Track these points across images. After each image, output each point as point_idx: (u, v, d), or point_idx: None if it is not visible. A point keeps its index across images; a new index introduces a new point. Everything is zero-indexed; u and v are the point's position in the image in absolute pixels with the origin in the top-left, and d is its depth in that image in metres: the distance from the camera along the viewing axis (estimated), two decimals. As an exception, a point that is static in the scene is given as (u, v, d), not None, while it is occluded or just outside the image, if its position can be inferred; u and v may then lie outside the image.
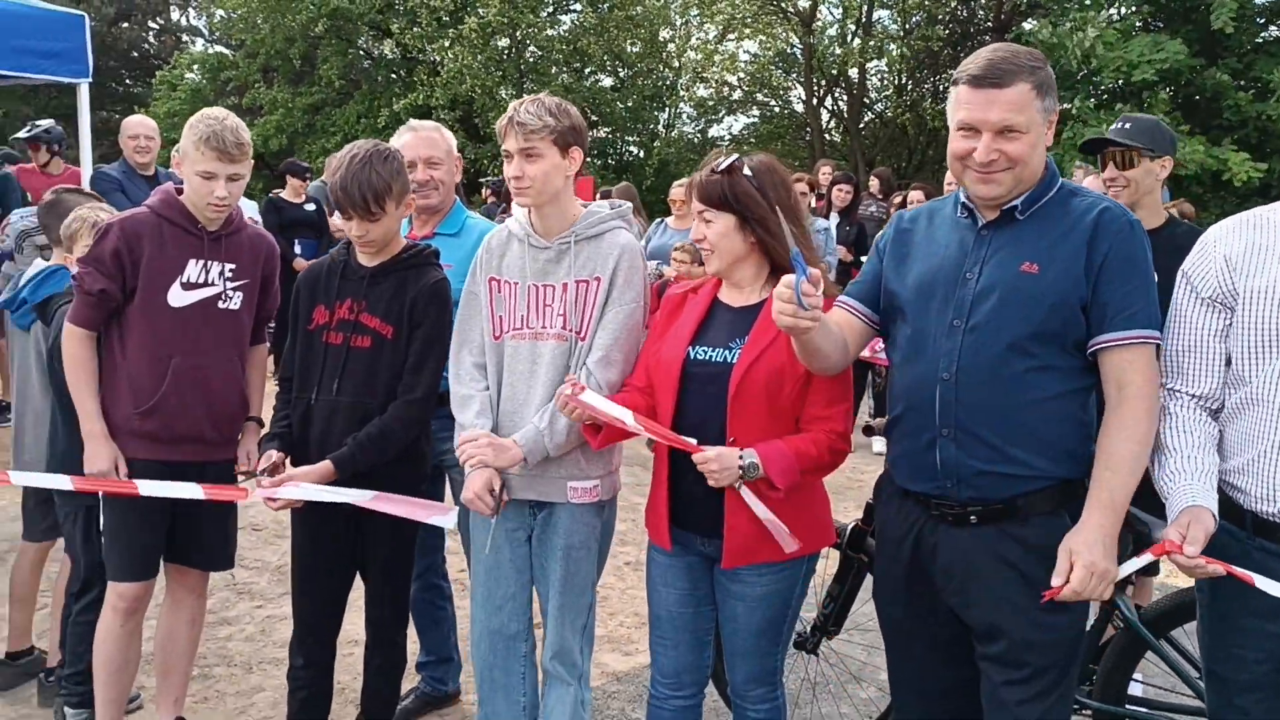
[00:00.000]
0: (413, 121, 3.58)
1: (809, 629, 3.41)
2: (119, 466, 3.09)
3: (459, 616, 3.84)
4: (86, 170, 6.46)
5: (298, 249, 9.51)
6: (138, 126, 6.73)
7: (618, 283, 2.81)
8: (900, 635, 2.59)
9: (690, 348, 2.66)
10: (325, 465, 2.90)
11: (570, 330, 2.83)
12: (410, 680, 3.66)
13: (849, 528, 3.31)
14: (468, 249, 3.25)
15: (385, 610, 3.17)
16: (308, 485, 2.87)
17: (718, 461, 2.46)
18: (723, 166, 2.60)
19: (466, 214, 3.55)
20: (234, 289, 3.24)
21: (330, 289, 3.06)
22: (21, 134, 7.47)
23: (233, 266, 3.23)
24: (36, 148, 7.40)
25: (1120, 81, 14.37)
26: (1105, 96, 16.28)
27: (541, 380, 2.83)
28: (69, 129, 7.80)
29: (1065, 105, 15.21)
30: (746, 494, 2.51)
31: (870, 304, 2.58)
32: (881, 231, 2.71)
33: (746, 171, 2.58)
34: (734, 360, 2.59)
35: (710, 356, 2.63)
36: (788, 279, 2.14)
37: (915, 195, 8.07)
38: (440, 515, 2.91)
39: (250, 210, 11.05)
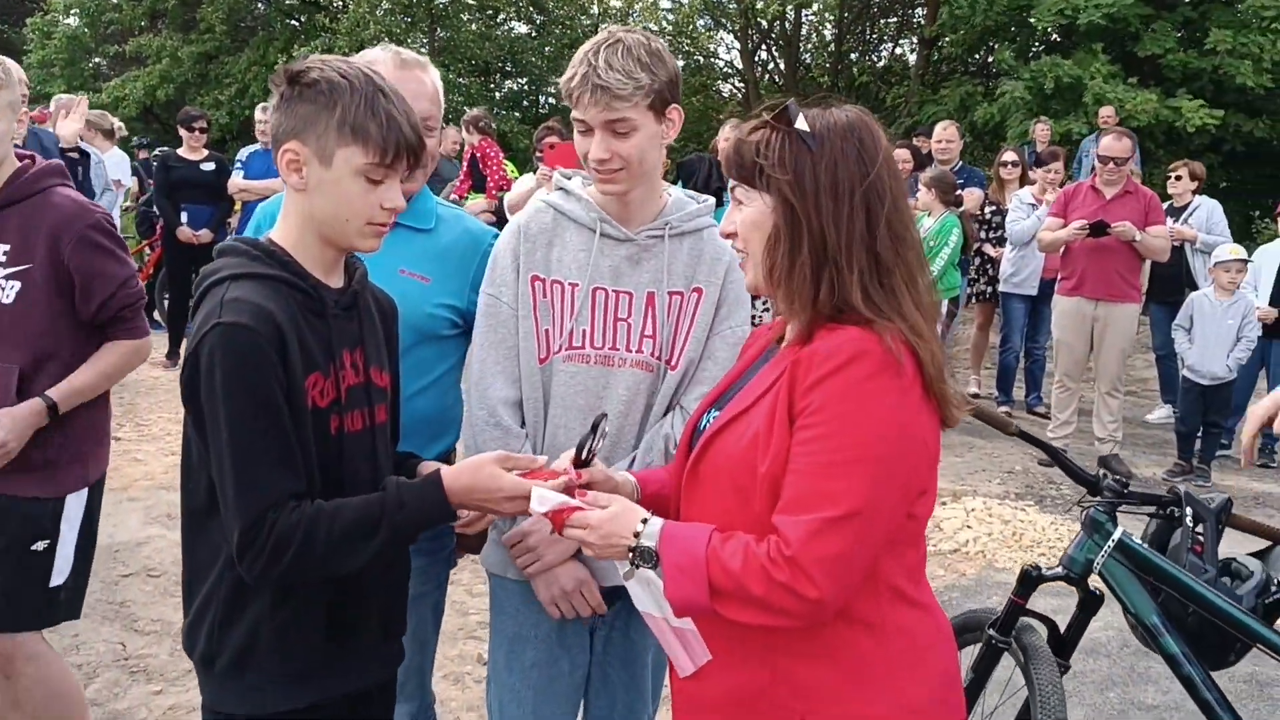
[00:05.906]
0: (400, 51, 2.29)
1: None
2: None
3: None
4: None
5: (184, 217, 8.29)
6: None
7: (728, 299, 2.05)
8: None
9: (710, 410, 1.73)
10: None
11: (658, 357, 2.03)
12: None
13: (1005, 606, 2.59)
14: (445, 252, 2.29)
15: None
16: None
17: (597, 529, 1.55)
18: (775, 113, 1.55)
19: (434, 200, 2.43)
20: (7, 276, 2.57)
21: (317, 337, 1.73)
22: None
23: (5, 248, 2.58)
24: None
25: (1063, 24, 13.75)
26: (1040, 46, 15.73)
27: (610, 419, 1.92)
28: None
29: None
30: (633, 585, 1.58)
31: None
32: None
33: (801, 124, 1.54)
34: (706, 425, 1.68)
35: (706, 422, 1.70)
36: None
37: (901, 154, 7.25)
38: None
39: (123, 169, 9.71)
